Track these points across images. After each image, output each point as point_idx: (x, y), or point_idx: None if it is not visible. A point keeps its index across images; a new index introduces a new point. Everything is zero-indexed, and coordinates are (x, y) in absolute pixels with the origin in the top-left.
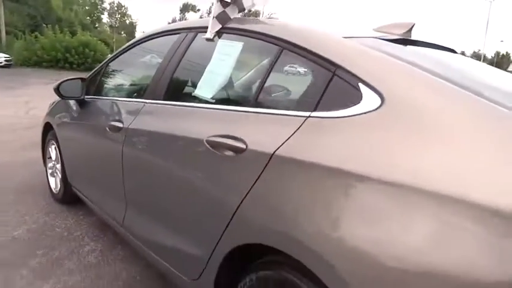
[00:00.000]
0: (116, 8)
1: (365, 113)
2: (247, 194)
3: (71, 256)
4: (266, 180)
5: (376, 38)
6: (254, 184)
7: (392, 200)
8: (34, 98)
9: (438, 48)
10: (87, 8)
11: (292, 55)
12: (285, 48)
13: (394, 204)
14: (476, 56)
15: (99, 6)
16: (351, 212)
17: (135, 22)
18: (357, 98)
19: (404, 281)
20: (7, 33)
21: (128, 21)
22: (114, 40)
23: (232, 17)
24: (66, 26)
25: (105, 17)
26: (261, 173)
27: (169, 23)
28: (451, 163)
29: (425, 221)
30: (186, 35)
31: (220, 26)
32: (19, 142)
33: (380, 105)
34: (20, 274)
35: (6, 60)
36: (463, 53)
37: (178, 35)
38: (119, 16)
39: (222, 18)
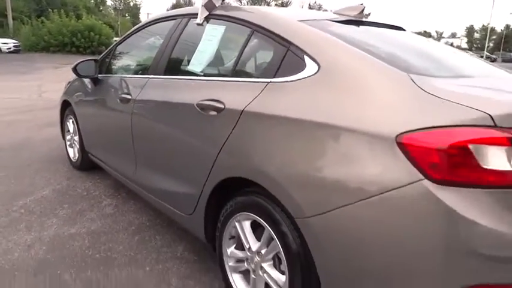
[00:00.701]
0: None
1: (307, 77)
2: (226, 140)
3: (91, 209)
4: (239, 129)
5: (327, 19)
6: (231, 133)
7: (324, 136)
8: (45, 82)
9: (384, 27)
10: None
11: (259, 35)
12: (255, 30)
13: (325, 139)
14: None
15: None
16: (298, 149)
17: (139, 4)
18: (302, 67)
19: (327, 191)
20: (13, 18)
21: (131, 3)
22: (118, 23)
23: (217, 5)
24: (71, 10)
25: (109, 0)
26: (235, 124)
27: (173, 4)
28: (361, 109)
29: (343, 148)
30: (181, 21)
31: (208, 13)
32: (36, 122)
33: (317, 71)
34: (51, 221)
35: (14, 46)
36: (471, 28)
37: (174, 21)
38: None
39: (209, 6)
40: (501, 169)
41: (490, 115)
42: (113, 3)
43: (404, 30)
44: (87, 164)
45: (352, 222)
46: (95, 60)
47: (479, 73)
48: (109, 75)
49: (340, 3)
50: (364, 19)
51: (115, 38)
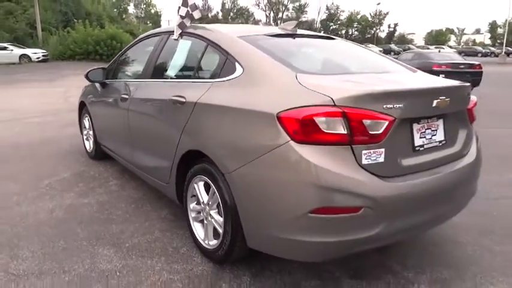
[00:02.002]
0: None
1: (236, 77)
2: (185, 124)
3: (100, 186)
4: (193, 115)
5: (263, 34)
6: (188, 118)
7: (240, 116)
8: (70, 88)
9: (314, 38)
10: (114, 0)
11: (211, 48)
12: (209, 44)
13: (240, 119)
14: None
15: None
16: (225, 127)
17: (160, 11)
18: (234, 70)
19: (239, 153)
20: (42, 30)
21: (153, 11)
22: (140, 30)
23: (187, 25)
24: (95, 20)
25: (131, 8)
26: (191, 112)
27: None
28: (262, 97)
29: (249, 124)
30: (163, 37)
31: (181, 31)
32: (62, 122)
33: (242, 73)
34: (69, 195)
35: (43, 55)
36: (494, 23)
37: (159, 36)
38: (144, 6)
39: (181, 26)
40: (335, 132)
41: (331, 98)
42: (134, 11)
43: (333, 39)
44: (99, 154)
45: (254, 172)
46: (103, 68)
47: (367, 70)
48: (113, 80)
49: (355, 4)
50: (298, 32)
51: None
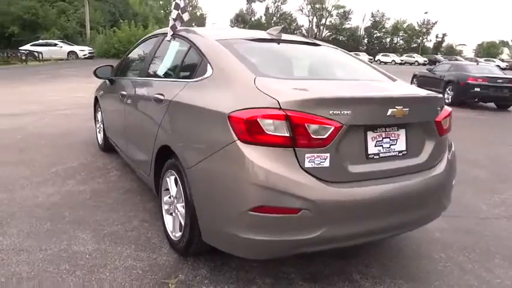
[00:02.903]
0: (187, 1)
1: (206, 78)
2: (161, 121)
3: (100, 176)
4: (168, 113)
5: (242, 39)
6: (164, 115)
7: (202, 115)
8: None
9: (297, 43)
10: (161, 2)
11: (192, 50)
12: (191, 46)
13: (202, 117)
14: None
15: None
16: (190, 124)
17: (205, 14)
18: (205, 71)
19: (198, 150)
20: (91, 28)
21: (198, 13)
22: None
23: (178, 27)
24: (141, 21)
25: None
26: (166, 110)
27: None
28: (222, 98)
29: (207, 122)
30: (159, 38)
31: (172, 33)
32: (88, 116)
33: (211, 74)
34: (70, 182)
35: (89, 53)
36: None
37: (156, 38)
38: (190, 8)
39: (173, 28)
40: (278, 134)
41: (277, 101)
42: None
43: (318, 45)
44: (108, 146)
45: (208, 168)
46: (111, 66)
47: (336, 77)
48: (118, 77)
49: (402, 12)
50: (282, 37)
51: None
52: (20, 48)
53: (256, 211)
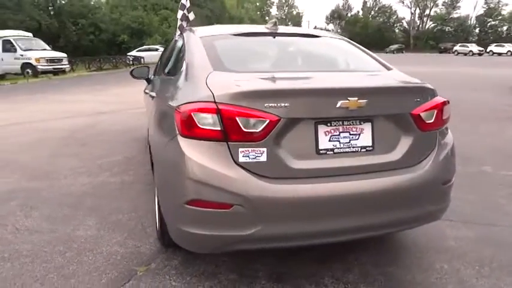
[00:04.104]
0: (284, 1)
1: (180, 73)
2: (151, 114)
3: (133, 170)
4: (153, 107)
5: (228, 34)
6: (153, 109)
7: (165, 108)
8: None
9: (292, 36)
10: (257, 4)
11: (182, 47)
12: (183, 44)
13: (165, 110)
14: None
15: (268, 1)
16: (158, 117)
17: (302, 12)
18: (182, 67)
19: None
20: None
21: (294, 13)
22: None
23: (185, 26)
24: (236, 23)
25: (274, 10)
26: (154, 104)
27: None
28: (181, 92)
29: (165, 116)
30: (178, 38)
31: (180, 32)
32: None
33: (182, 69)
34: (105, 174)
35: None
36: None
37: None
38: (287, 8)
39: (180, 27)
40: (210, 128)
41: (213, 94)
42: (277, 13)
43: (318, 37)
44: None
45: (160, 161)
46: (147, 66)
47: (314, 69)
48: (153, 77)
49: None
50: (279, 30)
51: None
52: (127, 54)
53: (191, 205)
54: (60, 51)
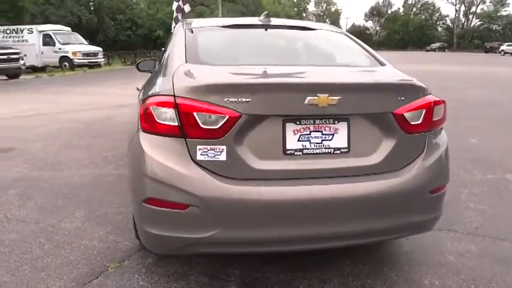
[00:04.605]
0: None
1: (160, 65)
2: None
3: None
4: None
5: (215, 26)
6: None
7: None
8: None
9: (283, 28)
10: (294, 0)
11: (169, 41)
12: (174, 35)
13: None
14: None
15: None
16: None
17: (340, 10)
18: (163, 59)
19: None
20: None
21: (333, 9)
22: None
23: (180, 19)
24: None
25: (311, 7)
26: None
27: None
28: (154, 85)
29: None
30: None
31: (175, 24)
32: None
33: (162, 62)
34: (110, 166)
35: None
36: None
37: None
38: (325, 5)
39: (176, 19)
40: (167, 123)
41: (173, 87)
42: (314, 9)
43: (311, 29)
44: None
45: (129, 150)
46: (154, 59)
47: (296, 62)
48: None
49: None
50: (271, 22)
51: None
52: (162, 49)
53: (148, 203)
54: (98, 45)
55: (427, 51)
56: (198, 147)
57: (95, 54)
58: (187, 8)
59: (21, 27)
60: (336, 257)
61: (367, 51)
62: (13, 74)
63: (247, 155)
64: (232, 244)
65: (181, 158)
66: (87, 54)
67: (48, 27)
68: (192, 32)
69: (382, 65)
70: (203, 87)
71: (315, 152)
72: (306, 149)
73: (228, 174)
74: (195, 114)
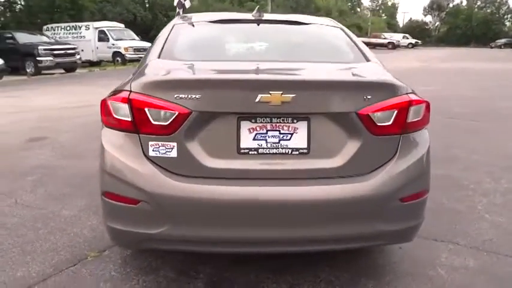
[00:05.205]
0: None
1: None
2: None
3: None
4: None
5: (202, 21)
6: None
7: None
8: None
9: (274, 23)
10: None
11: None
12: None
13: None
14: None
15: None
16: None
17: (397, 3)
18: None
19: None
20: None
21: (389, 3)
22: (369, 23)
23: (181, 14)
24: (324, 14)
25: (366, 1)
26: None
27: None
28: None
29: None
30: None
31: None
32: None
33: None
34: None
35: None
36: None
37: None
38: None
39: (178, 14)
40: (122, 118)
41: (130, 84)
42: (370, 4)
43: (304, 24)
44: None
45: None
46: None
47: (275, 58)
48: None
49: None
50: (264, 17)
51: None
52: None
53: (106, 196)
54: (151, 41)
55: (491, 47)
56: (150, 143)
57: (145, 50)
58: (187, 3)
59: (79, 24)
60: (315, 262)
61: (357, 46)
62: (70, 68)
63: (199, 152)
64: (183, 242)
65: (135, 153)
66: (138, 50)
67: (103, 24)
68: (178, 27)
69: (367, 61)
70: (155, 83)
71: (271, 152)
72: (261, 148)
73: (178, 171)
74: (146, 110)
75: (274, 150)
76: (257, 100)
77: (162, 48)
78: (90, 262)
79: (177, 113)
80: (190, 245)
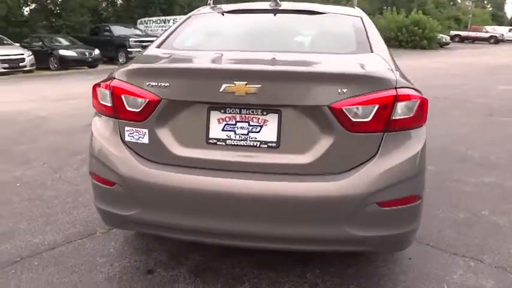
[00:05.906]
0: None
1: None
2: None
3: None
4: None
5: (215, 12)
6: None
7: None
8: None
9: (290, 12)
10: None
11: None
12: None
13: None
14: None
15: None
16: None
17: None
18: None
19: None
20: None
21: None
22: (470, 16)
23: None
24: (416, 6)
25: None
26: None
27: None
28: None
29: None
30: None
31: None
32: None
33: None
34: None
35: None
36: None
37: None
38: None
39: (208, 5)
40: (105, 103)
41: (115, 72)
42: None
43: (319, 13)
44: None
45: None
46: None
47: (270, 48)
48: None
49: None
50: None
51: (453, 32)
52: None
53: (92, 177)
54: None
55: None
56: (126, 128)
57: None
58: None
59: (168, 17)
60: (307, 263)
61: (368, 37)
62: None
63: (169, 140)
64: (153, 226)
65: (113, 137)
66: None
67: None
68: (193, 17)
69: (371, 52)
70: (132, 71)
71: (239, 143)
72: (230, 139)
73: (150, 157)
74: (122, 96)
75: (243, 142)
76: (221, 90)
77: (167, 37)
78: (97, 237)
79: (148, 100)
80: (161, 230)
